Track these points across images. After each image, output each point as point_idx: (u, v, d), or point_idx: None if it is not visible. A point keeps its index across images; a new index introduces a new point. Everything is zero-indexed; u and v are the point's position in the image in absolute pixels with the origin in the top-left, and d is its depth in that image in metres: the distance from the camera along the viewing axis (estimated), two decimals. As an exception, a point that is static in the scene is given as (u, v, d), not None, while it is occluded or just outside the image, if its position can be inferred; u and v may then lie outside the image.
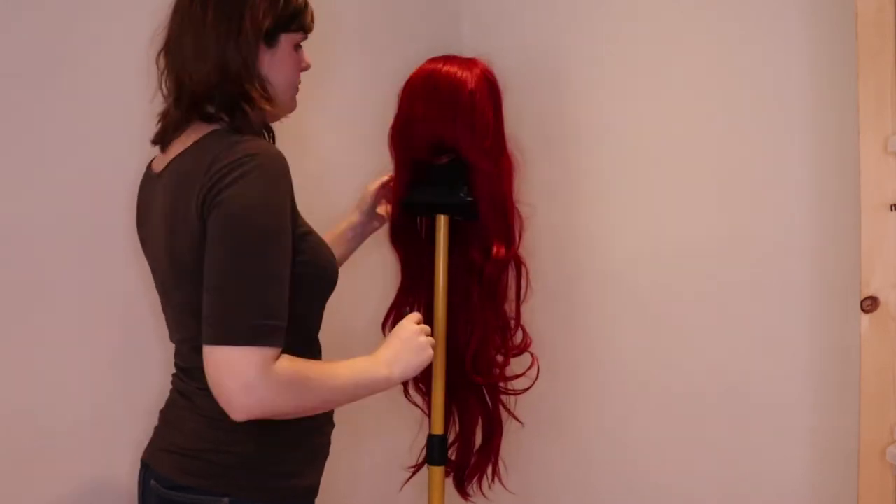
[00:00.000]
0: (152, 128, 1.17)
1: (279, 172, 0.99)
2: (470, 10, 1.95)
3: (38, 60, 1.29)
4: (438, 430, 1.49)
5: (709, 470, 1.53)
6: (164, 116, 1.13)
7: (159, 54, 1.11)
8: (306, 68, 1.19)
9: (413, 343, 1.16)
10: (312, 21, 1.17)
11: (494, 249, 1.46)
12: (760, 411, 1.46)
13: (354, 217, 1.52)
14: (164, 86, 1.11)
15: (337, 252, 1.38)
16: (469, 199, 1.44)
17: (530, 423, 1.85)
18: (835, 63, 1.33)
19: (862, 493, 1.19)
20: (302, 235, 1.07)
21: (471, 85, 1.43)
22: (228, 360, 0.92)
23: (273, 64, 1.11)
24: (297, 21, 1.12)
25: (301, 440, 1.11)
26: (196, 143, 1.05)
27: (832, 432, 1.37)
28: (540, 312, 1.81)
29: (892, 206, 1.17)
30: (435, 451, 1.49)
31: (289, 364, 0.97)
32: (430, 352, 1.18)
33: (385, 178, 1.51)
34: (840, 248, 1.33)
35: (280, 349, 0.96)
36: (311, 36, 1.51)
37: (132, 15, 1.34)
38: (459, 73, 1.44)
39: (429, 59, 1.48)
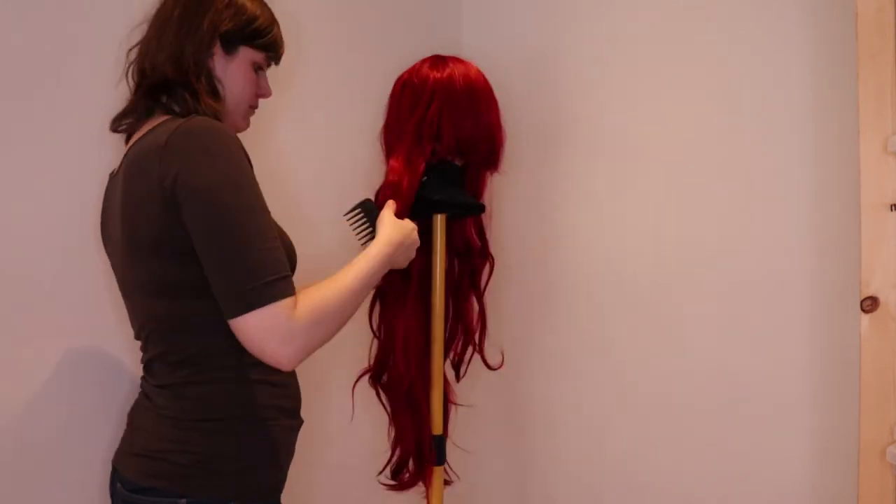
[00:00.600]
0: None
1: (230, 142, 1.04)
2: (470, 10, 1.95)
3: (22, 62, 1.29)
4: (438, 430, 1.49)
5: (708, 470, 1.53)
6: (127, 107, 1.19)
7: (132, 48, 1.18)
8: (264, 95, 1.24)
9: (410, 240, 1.29)
10: (278, 49, 1.22)
11: (478, 245, 1.55)
12: (760, 411, 1.46)
13: None
14: (129, 76, 1.18)
15: None
16: (482, 202, 1.50)
17: (528, 423, 1.85)
18: (835, 63, 1.34)
19: (862, 493, 1.19)
20: None
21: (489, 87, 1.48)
22: (257, 324, 0.98)
23: (228, 71, 1.16)
24: (259, 39, 1.18)
25: (260, 437, 1.11)
26: (151, 130, 1.09)
27: (832, 432, 1.37)
28: (537, 312, 1.81)
29: (892, 206, 1.17)
30: (434, 452, 1.49)
31: (307, 302, 1.03)
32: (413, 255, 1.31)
33: None
34: (840, 248, 1.33)
35: (294, 294, 1.02)
36: (310, 35, 1.51)
37: (115, 14, 1.35)
38: (482, 77, 1.47)
39: (430, 59, 1.47)
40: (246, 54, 1.17)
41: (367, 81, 1.73)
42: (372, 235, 1.33)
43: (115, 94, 1.33)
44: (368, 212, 1.37)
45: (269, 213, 1.04)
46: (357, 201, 1.38)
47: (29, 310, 1.31)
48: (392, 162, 1.45)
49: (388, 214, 1.32)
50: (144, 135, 1.09)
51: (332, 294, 1.07)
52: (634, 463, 1.65)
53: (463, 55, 1.55)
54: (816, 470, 1.39)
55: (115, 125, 1.19)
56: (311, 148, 1.69)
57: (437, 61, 1.46)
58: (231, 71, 1.16)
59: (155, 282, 1.07)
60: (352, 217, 1.37)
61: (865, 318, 1.19)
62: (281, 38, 1.23)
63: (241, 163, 1.03)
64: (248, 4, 1.17)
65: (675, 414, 1.58)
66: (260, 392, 1.12)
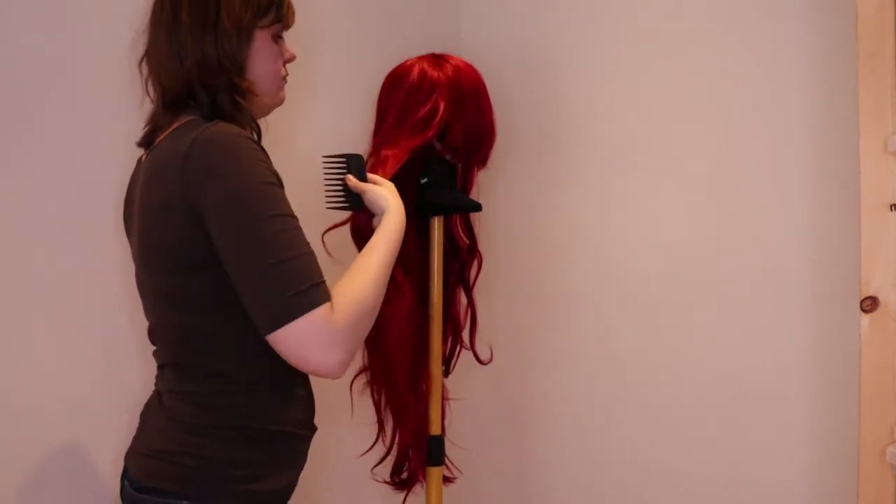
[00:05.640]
0: (138, 130, 1.17)
1: (251, 150, 1.00)
2: (469, 9, 1.95)
3: (27, 65, 1.29)
4: (436, 430, 1.49)
5: (709, 470, 1.53)
6: (152, 119, 1.14)
7: (141, 60, 1.13)
8: (290, 59, 1.19)
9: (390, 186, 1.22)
10: (291, 14, 1.17)
11: (466, 241, 1.54)
12: (760, 411, 1.46)
13: None
14: (149, 90, 1.13)
15: None
16: (478, 202, 1.49)
17: (526, 422, 1.85)
18: (835, 63, 1.34)
19: (862, 493, 1.19)
20: None
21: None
22: (296, 336, 0.94)
23: (251, 56, 1.11)
24: (274, 14, 1.12)
25: (271, 446, 1.10)
26: (174, 130, 1.06)
27: (832, 432, 1.37)
28: (535, 312, 1.81)
29: (892, 206, 1.17)
30: (433, 452, 1.49)
31: (342, 302, 0.99)
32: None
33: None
34: (840, 248, 1.33)
35: (330, 299, 0.97)
36: (307, 37, 1.50)
37: (116, 17, 1.35)
38: (479, 75, 1.47)
39: (428, 58, 1.46)
40: (264, 33, 1.12)
41: (364, 82, 1.73)
42: (341, 201, 1.22)
43: (123, 91, 1.33)
44: (355, 170, 1.22)
45: (296, 218, 1.00)
46: (350, 153, 1.24)
47: (39, 306, 1.31)
48: (384, 150, 1.41)
49: (387, 184, 1.24)
50: (168, 135, 1.07)
51: (362, 289, 1.03)
52: (634, 461, 1.65)
53: (462, 54, 1.55)
54: (816, 470, 1.39)
55: (146, 142, 1.15)
56: (305, 147, 1.68)
57: (437, 60, 1.45)
58: (254, 54, 1.11)
59: (168, 293, 1.06)
60: (331, 165, 1.23)
61: (865, 318, 1.19)
62: (290, 3, 1.16)
63: (264, 170, 0.99)
64: None
65: (674, 413, 1.58)
66: (276, 406, 1.11)
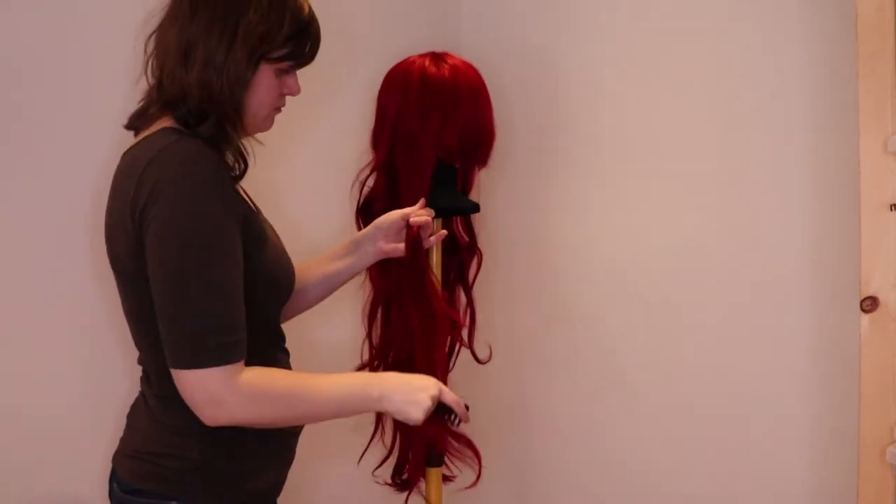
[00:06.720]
0: (119, 135, 1.15)
1: (207, 177, 0.97)
2: (469, 9, 1.95)
3: (27, 65, 1.29)
4: (436, 431, 1.49)
5: (708, 469, 1.53)
6: (144, 100, 1.10)
7: (149, 38, 1.08)
8: (291, 94, 1.13)
9: (419, 395, 1.07)
10: (311, 54, 1.10)
11: (465, 240, 1.54)
12: (760, 411, 1.46)
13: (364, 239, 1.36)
14: (149, 71, 1.08)
15: (329, 267, 1.35)
16: (476, 203, 1.49)
17: (526, 423, 1.85)
18: (835, 63, 1.34)
19: (862, 493, 1.19)
20: (255, 240, 1.05)
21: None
22: (192, 382, 0.96)
23: (247, 88, 1.05)
24: (289, 49, 1.06)
25: (256, 445, 1.10)
26: (152, 134, 1.04)
27: (832, 432, 1.37)
28: (535, 311, 1.81)
29: (892, 206, 1.17)
30: (433, 454, 1.49)
31: (256, 377, 0.99)
32: (421, 416, 1.06)
33: (419, 209, 1.34)
34: (840, 248, 1.33)
35: (242, 361, 0.98)
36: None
37: (115, 13, 1.35)
38: (479, 75, 1.47)
39: (429, 57, 1.46)
40: (268, 67, 1.06)
41: (363, 82, 1.73)
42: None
43: (113, 93, 1.34)
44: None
45: (237, 262, 0.98)
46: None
47: (29, 308, 1.31)
48: (405, 171, 1.42)
49: (420, 376, 1.13)
50: (145, 137, 1.05)
51: (289, 388, 1.01)
52: (634, 461, 1.65)
53: (462, 53, 1.55)
54: (816, 470, 1.39)
55: (132, 124, 1.11)
56: (305, 148, 1.68)
57: (437, 59, 1.45)
58: (252, 86, 1.05)
59: (137, 307, 1.05)
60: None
61: (865, 318, 1.19)
62: (316, 35, 1.09)
63: (214, 203, 0.96)
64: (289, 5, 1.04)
65: (674, 413, 1.58)
66: None
